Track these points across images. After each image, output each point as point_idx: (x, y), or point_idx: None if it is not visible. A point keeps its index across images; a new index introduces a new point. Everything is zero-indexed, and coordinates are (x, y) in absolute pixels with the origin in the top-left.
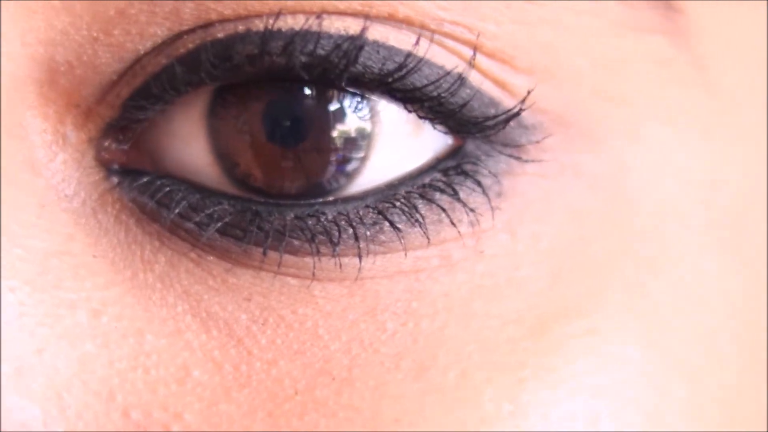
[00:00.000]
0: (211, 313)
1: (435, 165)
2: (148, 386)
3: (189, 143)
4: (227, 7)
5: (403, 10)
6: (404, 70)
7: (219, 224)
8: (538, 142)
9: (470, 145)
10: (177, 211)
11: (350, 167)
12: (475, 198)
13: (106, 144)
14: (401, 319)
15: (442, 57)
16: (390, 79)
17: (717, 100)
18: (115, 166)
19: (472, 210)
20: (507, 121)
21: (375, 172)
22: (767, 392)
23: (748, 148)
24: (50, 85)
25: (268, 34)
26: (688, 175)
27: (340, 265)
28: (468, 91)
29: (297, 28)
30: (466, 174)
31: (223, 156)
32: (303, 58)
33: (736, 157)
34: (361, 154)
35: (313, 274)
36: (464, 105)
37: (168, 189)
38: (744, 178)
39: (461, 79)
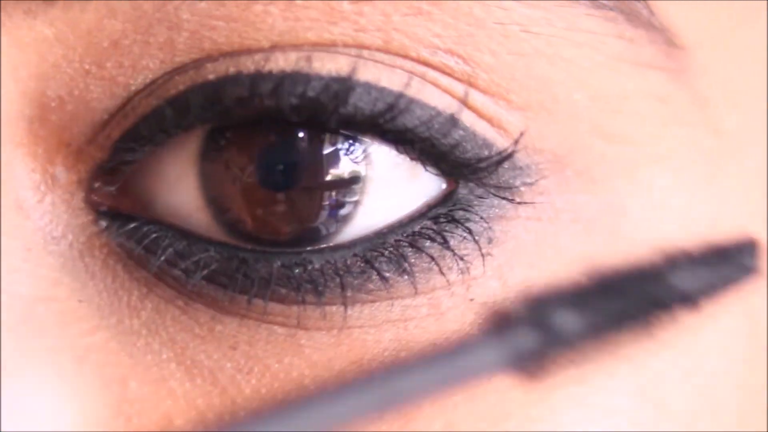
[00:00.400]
0: (196, 361)
1: (426, 212)
2: None
3: (179, 186)
4: (221, 35)
5: (397, 38)
6: (395, 111)
7: (205, 271)
8: (532, 183)
9: (463, 189)
10: (163, 258)
11: (343, 212)
12: (465, 245)
13: (96, 186)
14: (388, 368)
15: (435, 96)
16: (381, 120)
17: (718, 140)
18: (104, 209)
19: (462, 258)
20: (500, 162)
21: (368, 216)
22: None
23: (750, 189)
24: (41, 122)
25: (258, 76)
26: (688, 216)
27: (326, 315)
28: (461, 132)
29: (288, 69)
30: (456, 222)
31: (214, 200)
32: (293, 100)
33: (738, 198)
34: (354, 198)
35: (298, 322)
36: (456, 146)
37: (155, 235)
38: (746, 219)
39: (453, 120)
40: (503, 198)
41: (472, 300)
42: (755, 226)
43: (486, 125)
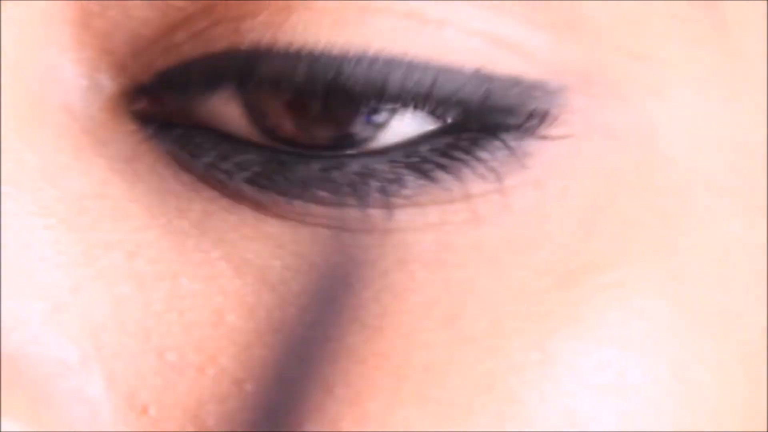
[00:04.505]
0: (246, 259)
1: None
2: (183, 329)
3: (221, 97)
4: None
5: None
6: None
7: (246, 173)
8: (564, 103)
9: None
10: (207, 160)
11: (379, 118)
12: (501, 156)
13: (140, 96)
14: (430, 268)
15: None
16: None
17: (740, 65)
18: (149, 118)
19: (494, 171)
20: (537, 118)
21: (403, 125)
22: None
23: (765, 115)
24: (84, 26)
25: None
26: (713, 137)
27: (366, 217)
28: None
29: None
30: (491, 132)
31: (253, 107)
32: None
33: (759, 123)
34: (389, 105)
35: (341, 224)
36: (487, 100)
37: (199, 139)
38: (764, 146)
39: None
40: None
41: (509, 207)
42: None
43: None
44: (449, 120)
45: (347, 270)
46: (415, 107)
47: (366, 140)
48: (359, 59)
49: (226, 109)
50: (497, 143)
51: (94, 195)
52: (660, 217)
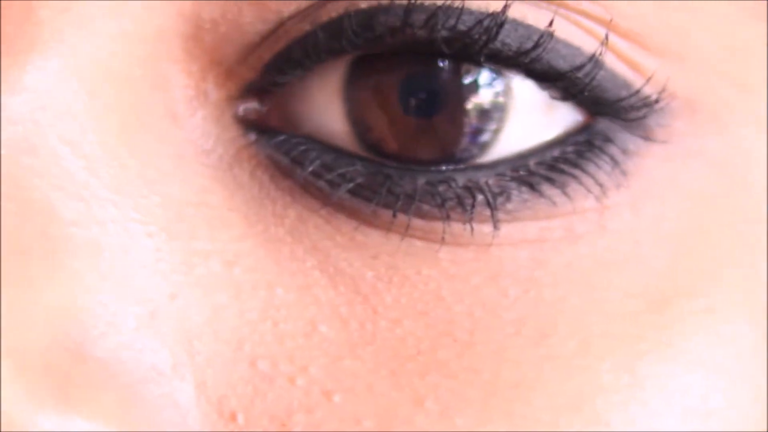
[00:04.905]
0: (339, 269)
1: (565, 140)
2: (276, 338)
3: (325, 109)
4: None
5: None
6: (540, 49)
7: (351, 185)
8: (665, 125)
9: (600, 124)
10: (311, 168)
11: (483, 138)
12: (602, 174)
13: (245, 103)
14: (524, 286)
15: (578, 37)
16: (527, 59)
17: None
18: (252, 124)
19: (598, 185)
20: (642, 107)
21: (507, 144)
22: None
23: None
24: (195, 41)
25: (410, 7)
26: None
27: (471, 231)
28: (602, 72)
29: (439, 2)
30: (595, 150)
31: (358, 123)
32: (444, 33)
33: None
34: (493, 126)
35: (443, 238)
36: (598, 85)
37: (303, 147)
38: None
39: (596, 61)
40: (638, 136)
41: (604, 227)
42: None
43: (625, 67)
44: (553, 93)
45: (439, 283)
46: (528, 71)
47: (470, 159)
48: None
49: (332, 124)
50: (603, 156)
51: (195, 203)
52: (749, 245)
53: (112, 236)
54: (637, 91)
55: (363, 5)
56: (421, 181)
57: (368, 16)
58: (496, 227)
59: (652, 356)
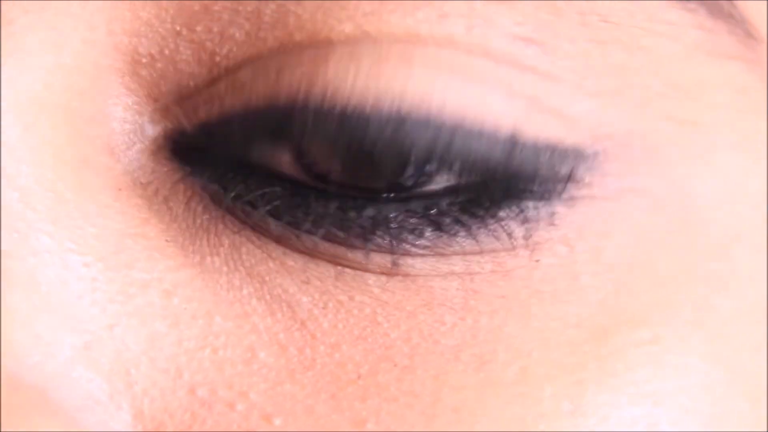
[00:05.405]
0: (275, 295)
1: (481, 182)
2: (215, 365)
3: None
4: (306, 11)
5: (479, 24)
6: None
7: (269, 207)
8: (596, 169)
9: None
10: (233, 193)
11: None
12: (528, 214)
13: (180, 140)
14: (459, 314)
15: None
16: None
17: None
18: (188, 157)
19: (525, 223)
20: (563, 182)
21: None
22: None
23: None
24: (132, 76)
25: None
26: (753, 195)
27: (383, 261)
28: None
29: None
30: (519, 193)
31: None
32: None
33: None
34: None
35: (361, 265)
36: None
37: (231, 174)
38: None
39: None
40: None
41: (538, 261)
42: None
43: (554, 122)
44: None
45: (374, 309)
46: (438, 169)
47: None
48: (387, 120)
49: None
50: (520, 204)
51: (132, 234)
52: (701, 277)
53: (49, 267)
54: (568, 150)
55: (282, 100)
56: (333, 205)
57: (286, 113)
58: (394, 263)
59: (594, 385)
